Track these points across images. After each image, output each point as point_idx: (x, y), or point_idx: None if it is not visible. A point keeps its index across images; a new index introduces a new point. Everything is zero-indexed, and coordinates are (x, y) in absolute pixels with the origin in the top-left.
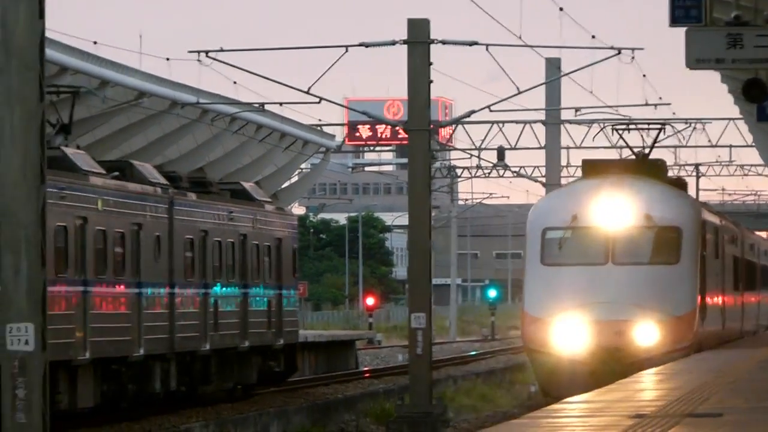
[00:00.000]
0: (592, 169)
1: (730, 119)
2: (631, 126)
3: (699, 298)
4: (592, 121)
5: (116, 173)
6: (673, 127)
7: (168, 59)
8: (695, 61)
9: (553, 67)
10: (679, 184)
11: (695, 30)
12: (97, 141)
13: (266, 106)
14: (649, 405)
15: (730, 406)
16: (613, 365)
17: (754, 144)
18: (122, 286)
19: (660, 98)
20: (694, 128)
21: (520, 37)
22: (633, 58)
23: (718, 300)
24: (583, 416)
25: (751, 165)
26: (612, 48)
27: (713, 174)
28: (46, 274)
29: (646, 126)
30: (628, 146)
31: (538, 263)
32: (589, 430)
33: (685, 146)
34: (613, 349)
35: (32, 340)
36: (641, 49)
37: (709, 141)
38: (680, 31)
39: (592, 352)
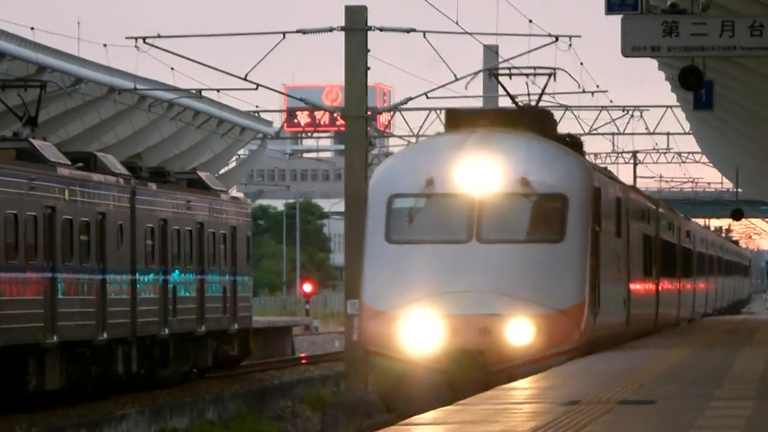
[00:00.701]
0: (455, 120)
1: (667, 107)
2: (514, 71)
3: (589, 286)
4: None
5: (81, 164)
6: (610, 114)
7: (105, 45)
8: (631, 48)
9: (491, 53)
10: (573, 143)
11: (631, 18)
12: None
13: (204, 93)
14: None
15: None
16: (475, 373)
17: (691, 131)
18: (87, 273)
19: (597, 86)
20: (632, 116)
21: (457, 23)
22: (570, 45)
23: (620, 289)
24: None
25: (689, 152)
26: (549, 35)
27: (651, 161)
28: None
29: (532, 72)
30: (508, 94)
31: (382, 241)
32: (523, 415)
33: (623, 134)
34: (475, 353)
35: None
36: (578, 36)
37: (647, 128)
38: (617, 19)
39: (450, 357)
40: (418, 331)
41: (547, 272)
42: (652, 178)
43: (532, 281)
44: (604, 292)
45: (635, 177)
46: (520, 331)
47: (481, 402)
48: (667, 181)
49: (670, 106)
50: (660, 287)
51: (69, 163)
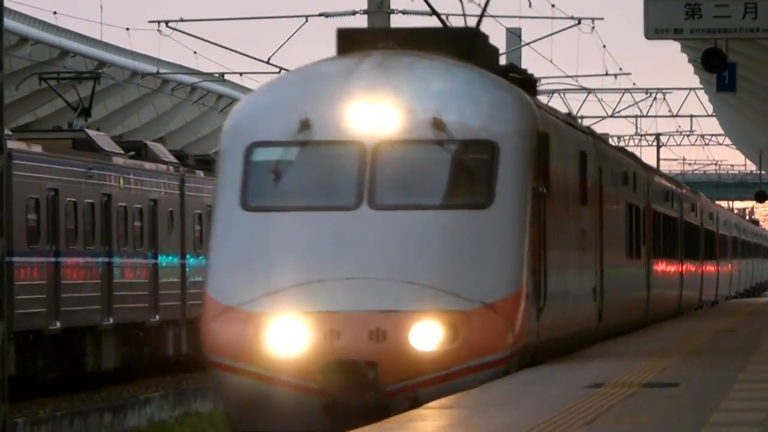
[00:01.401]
0: (348, 42)
1: (690, 89)
2: None
3: (529, 270)
4: (552, 91)
5: (133, 153)
6: (633, 97)
7: (128, 29)
8: (654, 31)
9: (514, 36)
10: (523, 81)
11: (654, 0)
12: (57, 110)
13: (226, 77)
14: None
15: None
16: (363, 394)
17: (714, 114)
18: (141, 258)
19: (620, 68)
20: (655, 98)
21: (480, 6)
22: (593, 28)
23: (585, 274)
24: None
25: (712, 134)
26: (572, 18)
27: (674, 144)
28: (5, 245)
29: None
30: (433, 11)
31: (236, 208)
32: (546, 398)
33: (646, 116)
34: (363, 366)
35: None
36: (601, 19)
37: (670, 111)
38: (639, 1)
39: (327, 371)
40: (283, 335)
41: (468, 251)
42: (676, 160)
43: (445, 263)
44: (556, 279)
45: (658, 159)
46: (428, 335)
47: (502, 384)
48: (690, 164)
49: (693, 89)
50: (656, 269)
51: (122, 152)
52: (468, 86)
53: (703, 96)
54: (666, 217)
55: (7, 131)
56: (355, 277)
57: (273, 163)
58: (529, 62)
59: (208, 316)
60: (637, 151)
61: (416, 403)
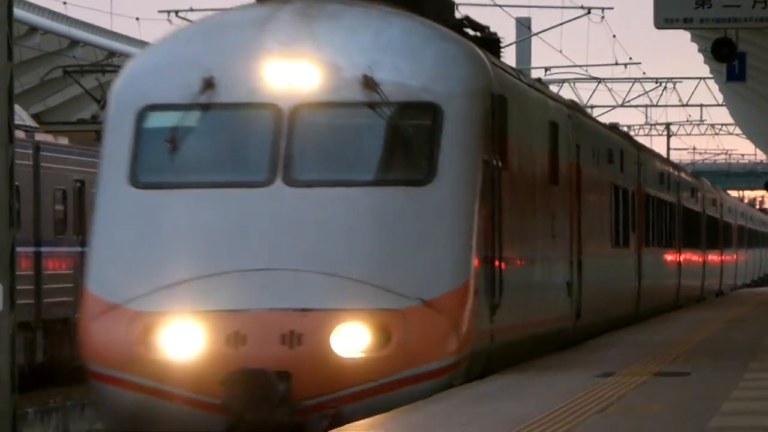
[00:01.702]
0: None
1: (700, 78)
2: None
3: (481, 260)
4: (562, 81)
5: None
6: (643, 86)
7: (138, 19)
8: (664, 20)
9: (524, 26)
10: (483, 40)
11: None
12: (68, 100)
13: None
14: None
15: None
16: (274, 411)
17: (724, 103)
18: None
19: (630, 58)
20: (665, 88)
21: None
22: (603, 17)
23: (557, 264)
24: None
25: (722, 124)
26: (582, 7)
27: (684, 133)
28: (14, 235)
29: None
30: None
31: (124, 184)
32: (557, 387)
33: (656, 106)
34: (273, 378)
35: (1, 301)
36: (611, 8)
37: (680, 100)
38: None
39: (230, 383)
40: (176, 339)
41: (404, 236)
42: (686, 150)
43: (376, 252)
44: (517, 271)
45: (668, 149)
46: (353, 339)
47: (510, 374)
48: (700, 153)
49: (703, 78)
50: (648, 259)
51: None
52: (406, 38)
53: (713, 85)
54: (661, 202)
55: (33, 123)
56: (266, 268)
57: (169, 130)
58: (539, 52)
59: (86, 315)
60: (647, 141)
61: (338, 421)
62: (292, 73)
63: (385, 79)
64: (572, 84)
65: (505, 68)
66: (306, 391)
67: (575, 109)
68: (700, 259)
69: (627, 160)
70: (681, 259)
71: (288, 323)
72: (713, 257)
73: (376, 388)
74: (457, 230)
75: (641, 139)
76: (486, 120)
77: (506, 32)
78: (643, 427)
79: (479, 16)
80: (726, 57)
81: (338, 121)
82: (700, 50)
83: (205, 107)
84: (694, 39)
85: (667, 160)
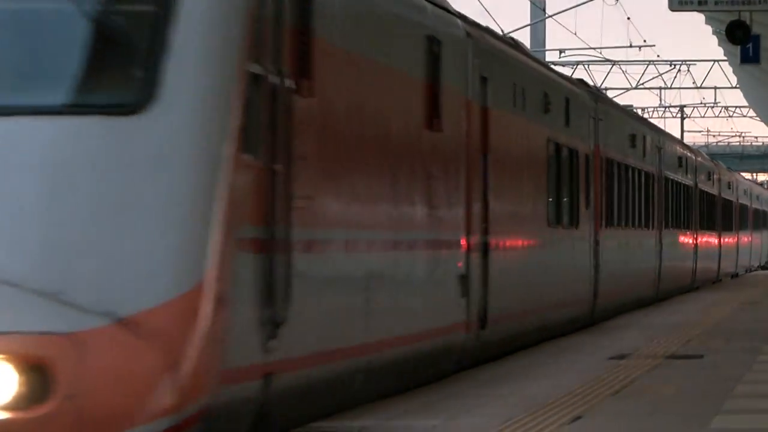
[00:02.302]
0: None
1: (714, 61)
2: None
3: (241, 244)
4: (576, 63)
5: None
6: (657, 69)
7: None
8: (678, 3)
9: (538, 9)
10: None
11: None
12: None
13: None
14: None
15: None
16: None
17: (738, 86)
18: None
19: (644, 40)
20: (679, 70)
21: None
22: (617, 0)
23: (443, 252)
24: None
25: (736, 106)
26: None
27: (698, 116)
28: None
29: None
30: None
31: None
32: (571, 369)
33: (670, 88)
34: None
35: None
36: None
37: (694, 83)
38: None
39: None
40: None
41: (92, 202)
42: (700, 132)
43: (37, 230)
44: (330, 260)
45: (683, 131)
46: None
47: (525, 356)
48: (714, 136)
49: (717, 60)
50: (607, 242)
51: None
52: None
53: (727, 68)
54: (631, 171)
55: None
56: None
57: None
58: (553, 34)
59: None
60: (661, 123)
61: None
62: None
63: None
64: (587, 66)
65: None
66: None
67: (483, 29)
68: (690, 241)
69: (577, 112)
70: (660, 240)
71: None
72: (707, 239)
73: None
74: (188, 192)
75: (655, 122)
76: (259, 10)
77: (521, 14)
78: (657, 409)
79: None
80: (740, 39)
81: None
82: (714, 33)
83: None
84: (708, 21)
85: (643, 120)
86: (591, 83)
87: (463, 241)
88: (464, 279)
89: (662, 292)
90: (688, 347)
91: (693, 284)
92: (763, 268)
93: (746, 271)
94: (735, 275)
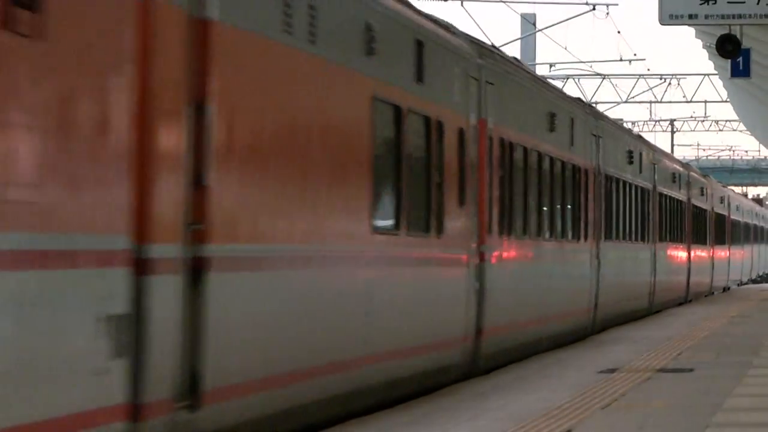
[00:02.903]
0: None
1: (704, 75)
2: None
3: None
4: (567, 77)
5: None
6: (647, 82)
7: None
8: (669, 17)
9: (528, 23)
10: None
11: None
12: None
13: None
14: None
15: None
16: None
17: (728, 99)
18: None
19: (635, 54)
20: (669, 84)
21: None
22: (608, 13)
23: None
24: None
25: (726, 120)
26: (587, 3)
27: (688, 129)
28: None
29: None
30: None
31: None
32: (560, 383)
33: (660, 102)
34: None
35: None
36: (616, 4)
37: (684, 96)
38: None
39: None
40: None
41: None
42: (690, 146)
43: None
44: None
45: (673, 145)
46: None
47: (515, 370)
48: (704, 149)
49: (708, 74)
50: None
51: None
52: None
53: (718, 81)
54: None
55: None
56: None
57: None
58: (544, 48)
59: None
60: (651, 137)
61: None
62: None
63: None
64: (577, 80)
65: None
66: None
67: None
68: (674, 255)
69: (457, 82)
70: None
71: None
72: (674, 251)
73: None
74: None
75: (646, 135)
76: None
77: (511, 28)
78: (647, 423)
79: (484, 12)
80: (730, 53)
81: None
82: (704, 46)
83: None
84: (698, 35)
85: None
86: (583, 98)
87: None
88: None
89: (656, 305)
90: (678, 361)
91: (687, 297)
92: (754, 281)
93: (738, 285)
94: (726, 288)
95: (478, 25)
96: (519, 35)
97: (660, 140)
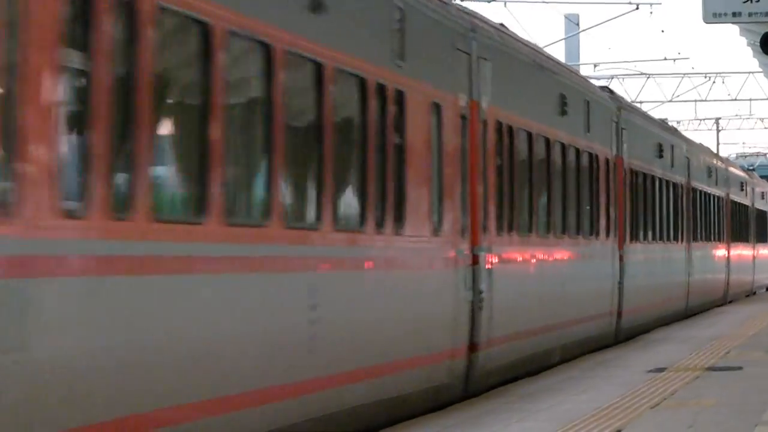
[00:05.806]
0: None
1: (749, 73)
2: None
3: None
4: (611, 77)
5: None
6: (692, 81)
7: None
8: (712, 15)
9: (572, 23)
10: None
11: None
12: None
13: None
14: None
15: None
16: None
17: None
18: None
19: (679, 53)
20: (714, 82)
21: None
22: (651, 12)
23: None
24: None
25: None
26: (630, 3)
27: (733, 128)
28: None
29: None
30: None
31: None
32: (610, 383)
33: (705, 100)
34: None
35: None
36: (659, 3)
37: (729, 95)
38: None
39: None
40: None
41: None
42: (735, 144)
43: None
44: None
45: (718, 143)
46: None
47: (564, 370)
48: (750, 148)
49: (752, 72)
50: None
51: None
52: None
53: (762, 79)
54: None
55: None
56: None
57: None
58: (588, 48)
59: None
60: (696, 136)
61: None
62: None
63: None
64: (621, 79)
65: None
66: None
67: None
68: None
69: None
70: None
71: None
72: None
73: None
74: None
75: (691, 134)
76: None
77: (555, 29)
78: (697, 422)
79: (527, 13)
80: None
81: None
82: (748, 44)
83: None
84: (742, 33)
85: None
86: (627, 97)
87: None
88: None
89: (692, 307)
90: (727, 359)
91: (726, 298)
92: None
93: None
94: None
95: (521, 25)
96: (563, 36)
97: (705, 139)
